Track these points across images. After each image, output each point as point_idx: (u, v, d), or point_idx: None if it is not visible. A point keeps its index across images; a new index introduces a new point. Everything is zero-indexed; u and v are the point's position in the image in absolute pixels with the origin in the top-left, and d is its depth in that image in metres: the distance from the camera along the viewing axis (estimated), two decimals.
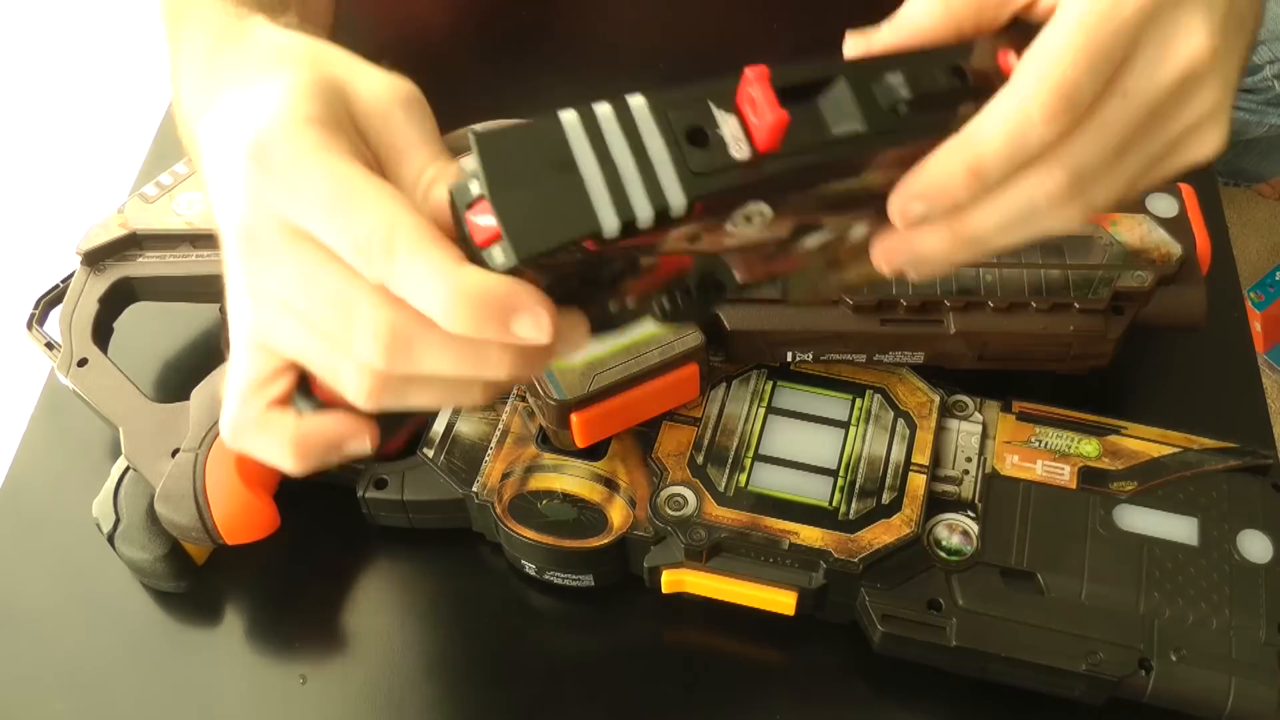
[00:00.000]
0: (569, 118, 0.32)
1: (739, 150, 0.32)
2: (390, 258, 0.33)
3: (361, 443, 0.38)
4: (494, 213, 0.31)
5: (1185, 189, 0.55)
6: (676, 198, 0.31)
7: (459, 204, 0.33)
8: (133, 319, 0.57)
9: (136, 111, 0.94)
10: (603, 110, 0.32)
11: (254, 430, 0.38)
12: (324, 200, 0.34)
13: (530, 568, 0.50)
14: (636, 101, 0.32)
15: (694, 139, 0.32)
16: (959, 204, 0.34)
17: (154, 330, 0.59)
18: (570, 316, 0.35)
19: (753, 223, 0.34)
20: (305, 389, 0.38)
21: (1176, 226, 0.53)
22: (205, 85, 0.42)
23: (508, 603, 0.51)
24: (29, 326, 0.56)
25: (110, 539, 0.50)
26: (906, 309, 0.51)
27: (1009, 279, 0.51)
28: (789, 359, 0.52)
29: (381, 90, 0.38)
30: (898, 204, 0.35)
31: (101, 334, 0.55)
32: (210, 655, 0.50)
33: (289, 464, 0.38)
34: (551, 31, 0.72)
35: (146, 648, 0.51)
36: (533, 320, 0.32)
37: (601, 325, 0.37)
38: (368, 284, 0.34)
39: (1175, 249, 0.52)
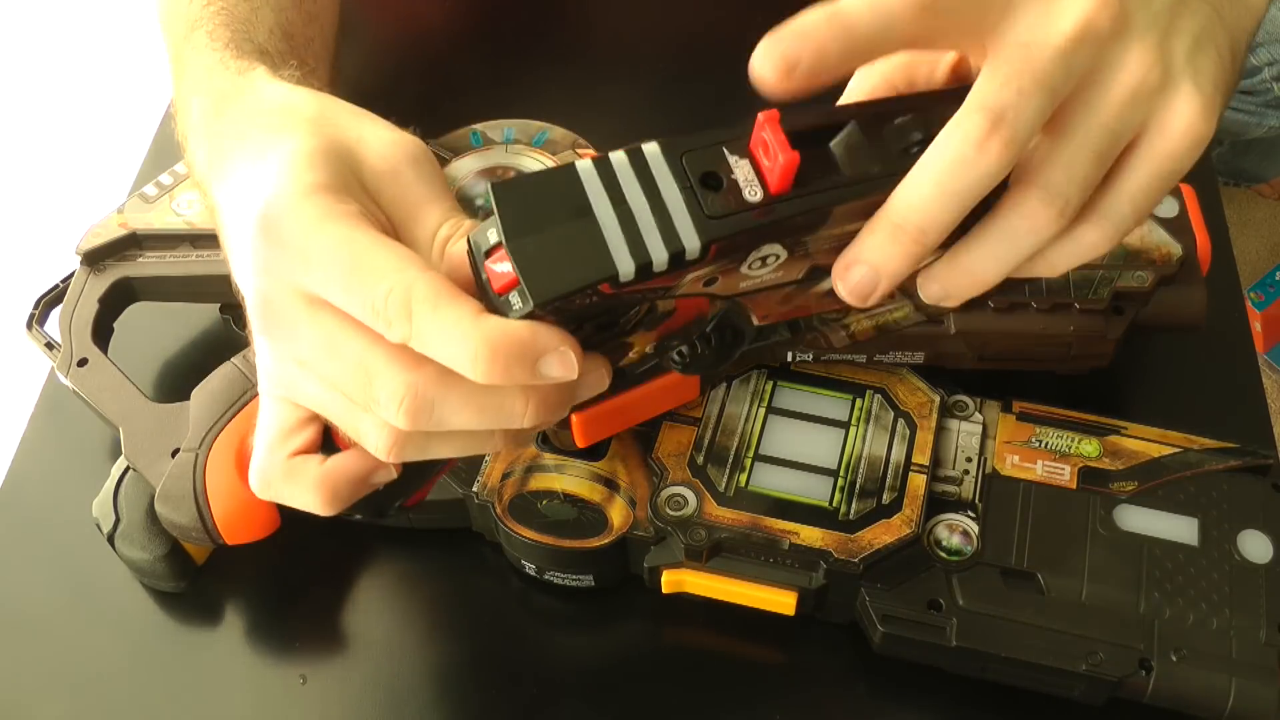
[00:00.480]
0: (584, 166, 0.32)
1: (752, 193, 0.32)
2: (409, 318, 0.33)
3: (387, 473, 0.39)
4: (510, 259, 0.32)
5: (1185, 189, 0.55)
6: (691, 240, 0.32)
7: (478, 253, 0.33)
8: (133, 319, 0.57)
9: (136, 111, 0.94)
10: (617, 158, 0.33)
11: (281, 478, 0.38)
12: (336, 268, 0.34)
13: (530, 568, 0.50)
14: (650, 148, 0.33)
15: (707, 183, 0.32)
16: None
17: (154, 330, 0.59)
18: (592, 360, 0.35)
19: (767, 265, 0.35)
20: (329, 440, 0.39)
21: (1176, 226, 0.53)
22: (214, 148, 0.42)
23: (508, 603, 0.51)
24: (29, 326, 0.56)
25: (110, 539, 0.50)
26: None
27: (1009, 279, 0.51)
28: (789, 359, 0.52)
29: (389, 149, 0.39)
30: (839, 276, 0.35)
31: (101, 334, 0.55)
32: (210, 655, 0.50)
33: (319, 506, 0.38)
34: (552, 31, 0.72)
35: (146, 648, 0.51)
36: (559, 359, 0.33)
37: (619, 377, 0.37)
38: (387, 347, 0.34)
39: (1175, 249, 0.52)
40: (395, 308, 0.33)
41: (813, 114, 0.34)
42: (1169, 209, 0.54)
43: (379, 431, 0.36)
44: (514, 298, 0.33)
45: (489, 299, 0.33)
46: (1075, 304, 0.51)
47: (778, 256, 0.35)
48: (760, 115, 0.33)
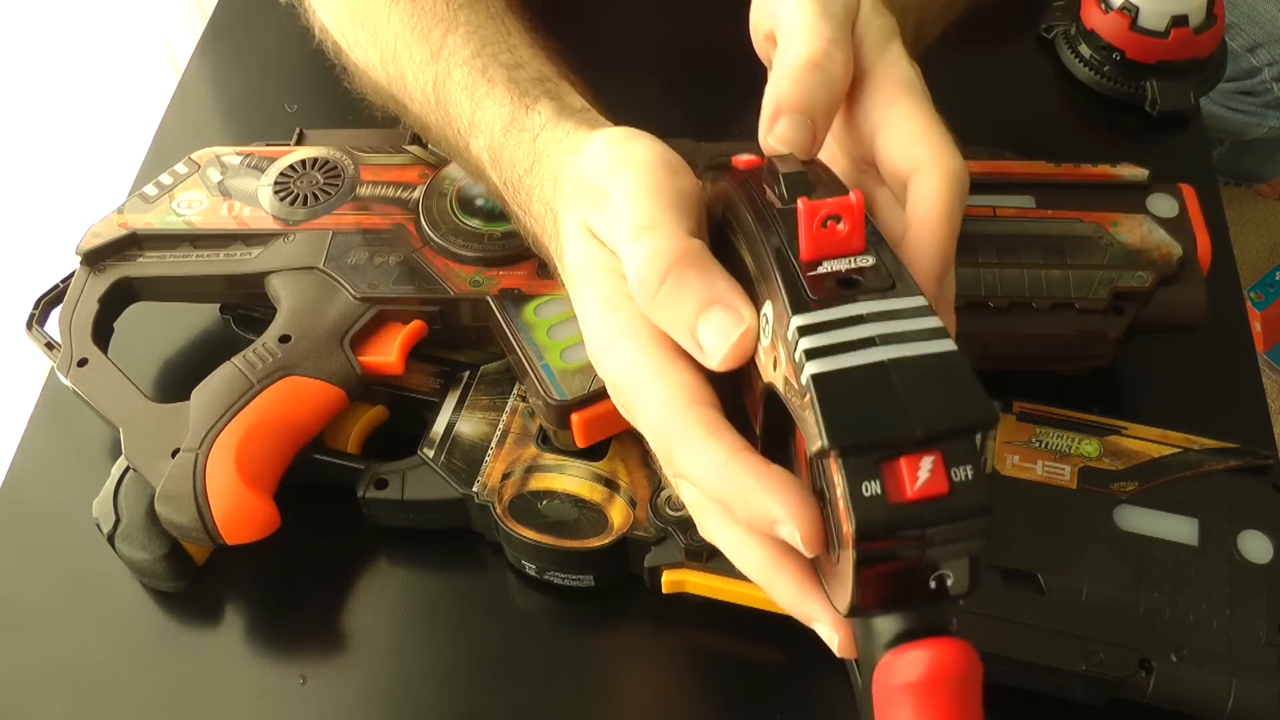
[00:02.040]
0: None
1: None
2: (669, 463, 0.36)
3: None
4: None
5: (1185, 189, 0.55)
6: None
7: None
8: (133, 319, 0.57)
9: (136, 111, 0.93)
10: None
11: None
12: (621, 383, 0.38)
13: (530, 568, 0.50)
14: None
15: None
16: None
17: (154, 330, 0.59)
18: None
19: None
20: None
21: (1176, 226, 0.53)
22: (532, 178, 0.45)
23: (508, 603, 0.51)
24: (29, 326, 0.56)
25: (110, 539, 0.50)
26: None
27: (1009, 279, 0.51)
28: None
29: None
30: None
31: (101, 334, 0.55)
32: (210, 655, 0.50)
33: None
34: (551, 30, 0.72)
35: (146, 648, 0.51)
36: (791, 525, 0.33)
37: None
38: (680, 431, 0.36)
39: (1175, 249, 0.52)
40: (660, 449, 0.36)
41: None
42: (1169, 209, 0.54)
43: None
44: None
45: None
46: (1075, 304, 0.51)
47: None
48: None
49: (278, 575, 0.52)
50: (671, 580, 0.48)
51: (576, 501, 0.49)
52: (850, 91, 0.41)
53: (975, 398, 0.31)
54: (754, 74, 0.43)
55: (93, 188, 0.99)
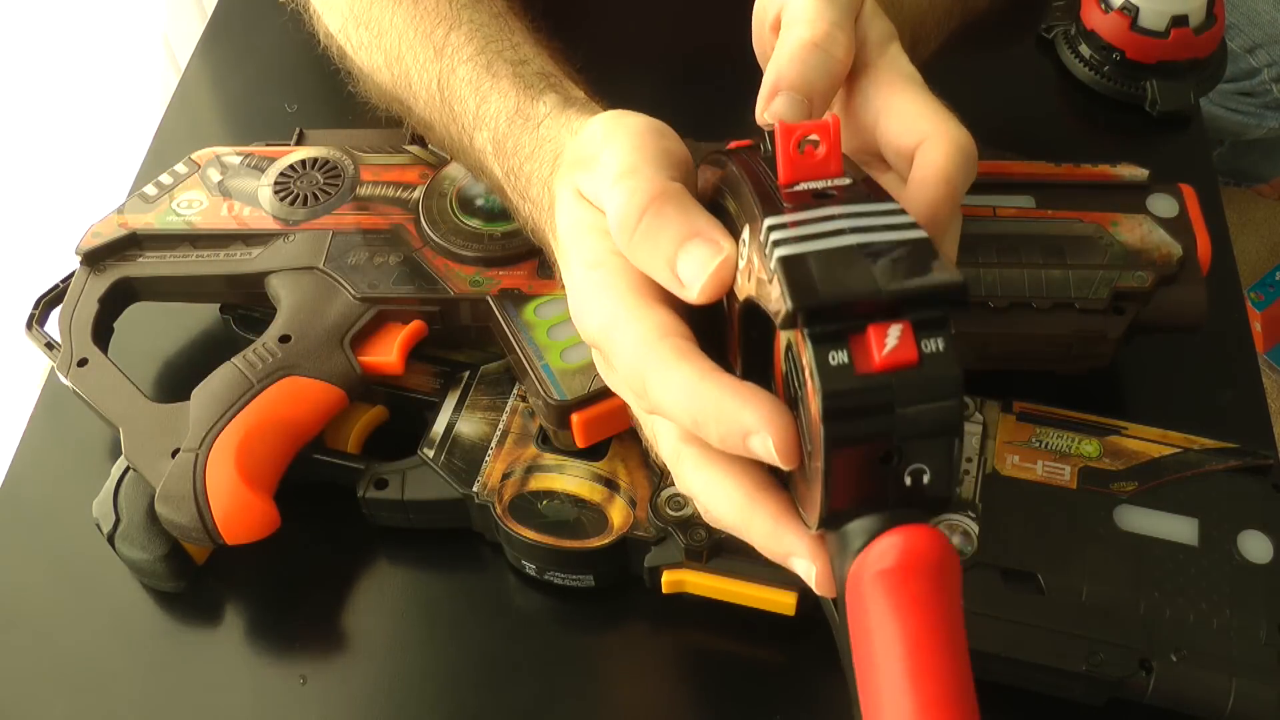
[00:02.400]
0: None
1: None
2: (643, 397, 0.36)
3: None
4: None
5: (1185, 189, 0.55)
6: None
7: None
8: (133, 319, 0.57)
9: (136, 111, 0.93)
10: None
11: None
12: (600, 334, 0.37)
13: (530, 568, 0.50)
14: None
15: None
16: None
17: (154, 330, 0.59)
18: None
19: None
20: None
21: (1176, 226, 0.53)
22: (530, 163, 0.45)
23: (508, 603, 0.51)
24: (29, 326, 0.56)
25: (110, 539, 0.50)
26: None
27: (1009, 279, 0.51)
28: None
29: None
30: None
31: (101, 334, 0.55)
32: (210, 655, 0.50)
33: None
34: (551, 31, 0.72)
35: (146, 648, 0.51)
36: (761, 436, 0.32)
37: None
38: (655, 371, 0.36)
39: (1175, 249, 0.52)
40: (634, 385, 0.36)
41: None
42: (1169, 209, 0.54)
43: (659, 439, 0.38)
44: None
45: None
46: (1075, 304, 0.51)
47: None
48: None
49: (278, 575, 0.52)
50: (671, 580, 0.48)
51: (576, 501, 0.49)
52: (851, 84, 0.41)
53: (944, 268, 0.30)
54: (754, 74, 0.43)
55: (93, 188, 0.99)
